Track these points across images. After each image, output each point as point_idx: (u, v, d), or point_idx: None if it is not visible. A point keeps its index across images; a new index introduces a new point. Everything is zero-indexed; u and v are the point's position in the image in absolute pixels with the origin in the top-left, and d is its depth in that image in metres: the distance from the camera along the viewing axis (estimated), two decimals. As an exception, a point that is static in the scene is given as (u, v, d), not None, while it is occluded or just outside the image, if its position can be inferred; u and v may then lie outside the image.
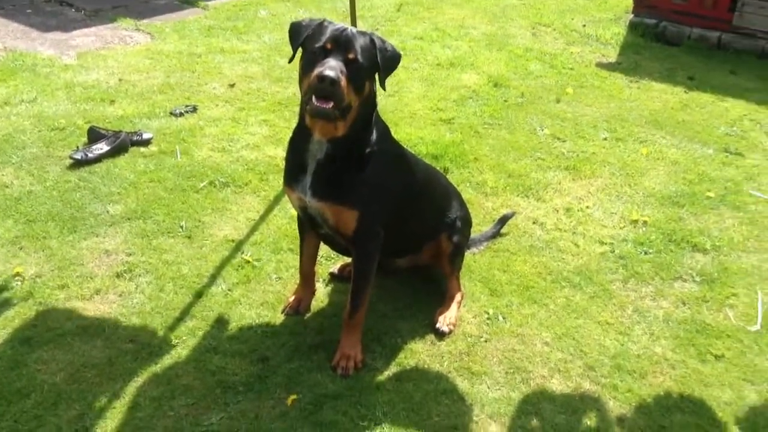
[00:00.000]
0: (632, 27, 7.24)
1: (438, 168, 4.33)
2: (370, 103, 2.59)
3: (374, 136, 2.64)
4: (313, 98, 2.40)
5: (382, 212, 2.72)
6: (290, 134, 2.73)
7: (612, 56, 6.58)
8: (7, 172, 3.93)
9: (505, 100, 5.43)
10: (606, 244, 3.71)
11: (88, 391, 2.57)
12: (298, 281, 3.11)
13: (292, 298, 3.09)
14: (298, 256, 3.08)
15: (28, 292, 3.05)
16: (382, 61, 2.52)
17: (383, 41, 2.57)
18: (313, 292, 3.13)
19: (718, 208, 4.10)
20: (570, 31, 7.19)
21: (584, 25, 7.33)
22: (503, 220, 3.72)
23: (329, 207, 2.63)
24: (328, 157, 2.58)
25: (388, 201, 2.73)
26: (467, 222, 3.27)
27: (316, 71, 2.36)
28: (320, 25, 2.52)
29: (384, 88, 2.57)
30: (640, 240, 3.74)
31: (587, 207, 4.05)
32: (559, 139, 4.88)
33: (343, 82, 2.38)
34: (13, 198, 3.69)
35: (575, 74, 6.06)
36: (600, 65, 6.32)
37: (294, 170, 2.67)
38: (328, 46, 2.43)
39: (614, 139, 4.92)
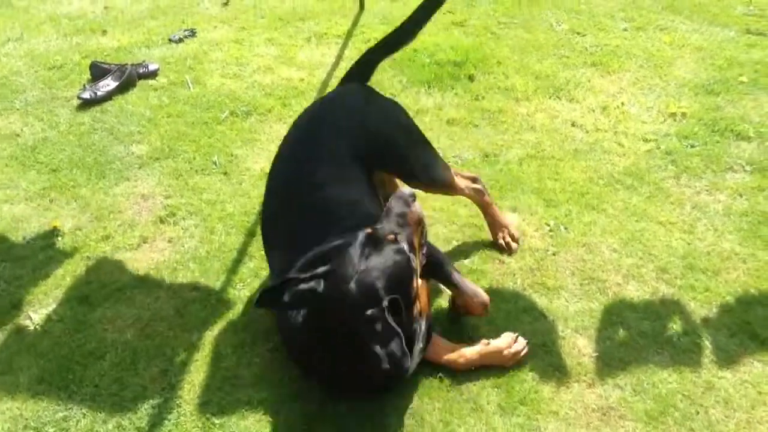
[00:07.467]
0: None
1: (463, 75, 4.19)
2: None
3: None
4: None
5: None
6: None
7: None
8: (13, 119, 3.67)
9: (516, -4, 5.17)
10: (650, 141, 3.60)
11: (165, 345, 2.46)
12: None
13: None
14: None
15: (72, 247, 2.89)
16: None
17: None
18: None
19: (753, 92, 3.98)
20: None
21: None
22: None
23: None
24: None
25: None
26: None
27: None
28: None
29: None
30: (683, 133, 3.64)
31: (622, 104, 3.92)
32: (578, 33, 4.68)
33: None
34: (28, 147, 3.46)
35: (581, -38, 5.77)
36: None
37: None
38: None
39: (634, 29, 4.73)
